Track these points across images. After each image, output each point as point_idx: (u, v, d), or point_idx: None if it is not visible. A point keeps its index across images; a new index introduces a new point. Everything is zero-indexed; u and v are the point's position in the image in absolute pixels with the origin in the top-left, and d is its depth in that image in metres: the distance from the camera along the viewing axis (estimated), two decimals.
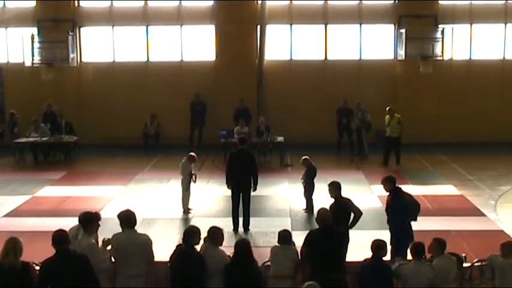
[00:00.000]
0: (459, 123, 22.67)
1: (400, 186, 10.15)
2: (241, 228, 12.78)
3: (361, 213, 9.93)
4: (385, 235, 9.50)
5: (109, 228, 8.29)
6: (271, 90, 22.70)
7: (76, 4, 23.13)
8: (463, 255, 8.92)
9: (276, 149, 19.93)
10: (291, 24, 22.99)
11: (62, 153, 20.47)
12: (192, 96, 22.21)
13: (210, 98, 22.39)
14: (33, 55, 22.04)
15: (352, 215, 9.90)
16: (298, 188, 14.41)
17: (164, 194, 15.82)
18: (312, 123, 22.49)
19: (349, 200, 9.99)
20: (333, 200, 9.90)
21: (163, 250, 8.50)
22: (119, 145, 22.26)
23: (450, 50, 22.81)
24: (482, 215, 13.92)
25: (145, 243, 7.81)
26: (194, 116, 22.21)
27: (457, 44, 22.96)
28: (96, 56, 23.42)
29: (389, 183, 9.94)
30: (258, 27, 22.44)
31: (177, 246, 7.97)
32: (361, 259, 8.24)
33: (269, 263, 8.37)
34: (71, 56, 22.27)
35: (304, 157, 14.24)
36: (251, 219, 12.91)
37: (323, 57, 23.19)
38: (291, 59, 23.22)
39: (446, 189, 16.25)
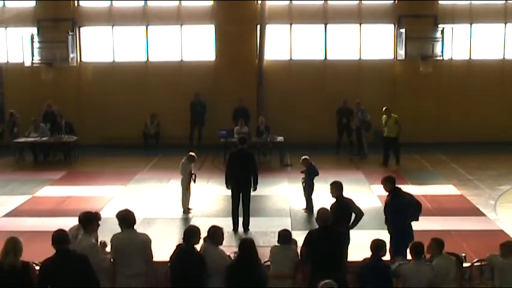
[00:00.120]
0: (459, 123, 22.67)
1: (400, 186, 10.16)
2: (241, 228, 12.78)
3: (363, 214, 9.91)
4: (385, 235, 9.52)
5: (109, 228, 8.29)
6: (271, 90, 22.70)
7: (76, 4, 23.12)
8: (463, 255, 8.93)
9: (275, 148, 19.94)
10: (290, 24, 22.99)
11: (61, 153, 20.47)
12: (192, 96, 22.22)
13: (210, 98, 22.40)
14: (32, 55, 22.03)
15: (353, 215, 9.90)
16: (298, 187, 14.40)
17: (164, 193, 15.82)
18: (311, 123, 22.50)
19: (350, 200, 9.98)
20: (333, 200, 9.90)
21: (163, 250, 8.50)
22: (118, 145, 22.26)
23: (450, 50, 22.81)
24: (482, 214, 13.92)
25: (145, 243, 7.81)
26: (194, 116, 22.22)
27: (457, 43, 22.96)
28: (96, 55, 23.42)
29: (389, 183, 9.94)
30: (258, 27, 22.43)
31: (177, 246, 7.97)
32: (361, 259, 8.24)
33: (269, 263, 8.37)
34: (71, 55, 22.28)
35: (304, 157, 14.25)
36: (251, 219, 12.92)
37: (323, 57, 23.19)
38: (290, 58, 23.22)
39: (446, 189, 16.25)
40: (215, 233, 7.98)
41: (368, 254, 8.06)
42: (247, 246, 7.85)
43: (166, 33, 23.28)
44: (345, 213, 9.72)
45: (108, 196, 15.44)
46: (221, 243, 8.01)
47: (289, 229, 9.04)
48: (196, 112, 22.20)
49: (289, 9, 22.95)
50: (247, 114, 21.31)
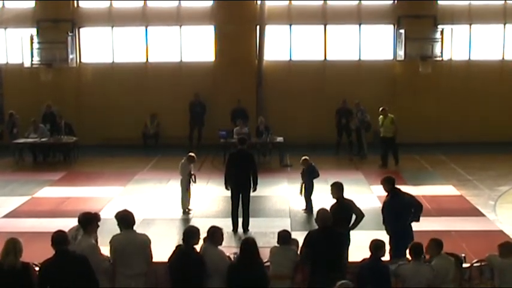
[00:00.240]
0: (458, 124, 22.68)
1: (399, 186, 10.16)
2: (240, 229, 12.79)
3: (363, 216, 9.87)
4: (384, 235, 9.52)
5: (108, 228, 8.29)
6: (270, 90, 22.70)
7: (75, 4, 23.13)
8: (463, 255, 8.93)
9: (275, 149, 19.93)
10: (290, 25, 22.99)
11: (61, 154, 20.46)
12: (192, 97, 22.22)
13: (210, 98, 22.40)
14: (32, 56, 22.01)
15: (354, 216, 9.88)
16: (298, 188, 14.39)
17: (163, 194, 15.82)
18: (311, 124, 22.50)
19: (351, 201, 9.97)
20: (333, 201, 9.89)
21: (162, 250, 8.49)
22: (118, 145, 22.26)
23: (449, 51, 22.83)
24: (482, 215, 13.93)
25: (144, 243, 7.81)
26: (193, 116, 22.22)
27: (456, 44, 22.98)
28: (95, 56, 23.42)
29: (388, 184, 9.94)
30: (257, 27, 22.44)
31: (177, 247, 7.97)
32: (360, 259, 8.24)
33: (268, 263, 8.37)
34: (70, 56, 22.27)
35: (304, 157, 14.25)
36: (250, 219, 12.92)
37: (322, 58, 23.20)
38: (290, 59, 23.22)
39: (445, 190, 16.25)
40: (215, 233, 7.98)
41: (367, 254, 8.06)
42: (248, 246, 7.85)
43: (166, 34, 23.28)
44: (345, 215, 9.71)
45: (107, 197, 15.44)
46: (221, 244, 8.01)
47: (289, 230, 9.05)
48: (196, 112, 22.21)
49: (288, 9, 22.95)
50: (245, 114, 21.31)
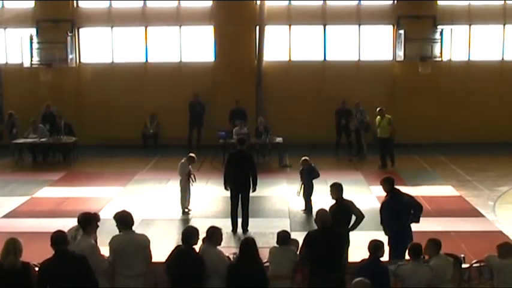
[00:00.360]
0: (458, 124, 22.68)
1: (398, 187, 10.16)
2: (240, 229, 12.79)
3: (363, 217, 9.86)
4: (384, 236, 9.53)
5: (108, 229, 8.29)
6: (270, 91, 22.71)
7: (75, 5, 23.12)
8: (462, 256, 8.94)
9: (274, 149, 19.92)
10: (289, 25, 23.00)
11: (60, 154, 20.45)
12: (191, 97, 22.22)
13: (209, 99, 22.41)
14: (31, 56, 22.02)
15: (353, 217, 9.88)
16: (297, 188, 14.38)
17: (163, 194, 15.82)
18: (310, 124, 22.50)
19: (350, 202, 9.97)
20: (333, 201, 9.89)
21: (162, 251, 8.49)
22: (117, 146, 22.26)
23: (449, 51, 22.83)
24: (481, 215, 13.93)
25: (144, 244, 7.81)
26: (193, 117, 22.23)
27: (456, 44, 22.98)
28: (95, 56, 23.42)
29: (387, 184, 9.93)
30: (257, 27, 22.45)
31: (175, 248, 7.96)
32: (360, 260, 8.24)
33: (268, 264, 8.37)
34: (70, 56, 22.27)
35: (304, 158, 14.25)
36: (250, 220, 12.93)
37: (322, 58, 23.20)
38: (289, 59, 23.23)
39: (444, 190, 16.25)
40: (214, 233, 7.98)
41: (367, 255, 8.06)
42: (248, 245, 7.85)
43: (166, 34, 23.28)
44: (344, 215, 9.70)
45: (107, 197, 15.44)
46: (220, 244, 8.01)
47: (288, 230, 9.05)
48: (195, 113, 22.21)
49: (288, 10, 22.96)
50: (244, 115, 21.32)
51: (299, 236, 8.80)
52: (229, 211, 12.98)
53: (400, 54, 22.38)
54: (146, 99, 22.78)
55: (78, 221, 7.92)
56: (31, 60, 22.05)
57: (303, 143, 20.79)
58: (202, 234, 7.98)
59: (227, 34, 22.59)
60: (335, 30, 23.16)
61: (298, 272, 8.34)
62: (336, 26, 23.09)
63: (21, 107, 21.44)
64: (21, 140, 20.10)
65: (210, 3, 22.96)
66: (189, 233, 7.81)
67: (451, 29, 22.65)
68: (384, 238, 8.97)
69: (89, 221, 7.83)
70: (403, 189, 10.68)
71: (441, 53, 22.26)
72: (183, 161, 14.13)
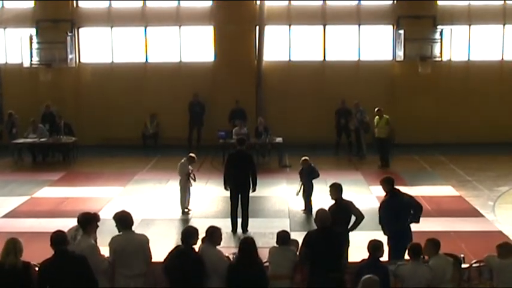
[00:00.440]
0: (458, 124, 22.68)
1: (398, 187, 10.16)
2: (240, 229, 12.79)
3: (363, 217, 9.86)
4: (383, 236, 9.52)
5: (107, 229, 8.30)
6: (269, 91, 22.71)
7: (75, 5, 23.12)
8: (462, 256, 8.93)
9: (274, 149, 19.92)
10: (289, 25, 23.00)
11: (60, 154, 20.45)
12: (191, 97, 22.23)
13: (209, 99, 22.41)
14: (31, 56, 22.03)
15: (353, 217, 9.87)
16: (297, 188, 14.38)
17: (163, 194, 15.82)
18: (310, 124, 22.50)
19: (350, 202, 9.97)
20: (332, 201, 9.89)
21: (162, 251, 8.48)
22: (117, 146, 22.26)
23: (449, 51, 22.84)
24: (481, 215, 13.93)
25: (143, 244, 7.82)
26: (193, 117, 22.23)
27: (456, 45, 22.99)
28: (94, 56, 23.42)
29: (387, 184, 9.93)
30: (257, 27, 22.45)
31: (174, 248, 7.96)
32: (359, 260, 8.24)
33: (267, 264, 8.37)
34: (70, 56, 22.28)
35: (304, 158, 14.25)
36: (250, 220, 12.93)
37: (321, 58, 23.20)
38: (289, 59, 23.23)
39: (444, 190, 16.25)
40: (214, 233, 7.98)
41: (367, 255, 8.06)
42: (247, 245, 7.84)
43: (165, 34, 23.28)
44: (344, 215, 9.70)
45: (107, 197, 15.44)
46: (219, 244, 8.01)
47: (288, 230, 9.04)
48: (195, 113, 22.21)
49: (288, 10, 22.96)
50: (244, 115, 21.31)
51: (299, 236, 8.80)
52: (229, 211, 12.98)
53: (400, 54, 22.38)
54: (146, 99, 22.79)
55: (78, 221, 7.92)
56: (31, 60, 22.06)
57: (302, 143, 20.80)
58: (201, 234, 7.98)
59: (227, 34, 22.59)
60: (335, 30, 23.16)
61: (297, 272, 8.34)
62: (335, 26, 23.09)
63: (21, 107, 21.44)
64: (21, 140, 20.10)
65: (209, 3, 22.96)
66: (188, 233, 7.81)
67: (451, 29, 22.66)
68: (383, 238, 8.97)
69: (88, 221, 7.83)
70: (403, 189, 10.68)
71: (441, 53, 22.28)
72: (183, 161, 14.13)
